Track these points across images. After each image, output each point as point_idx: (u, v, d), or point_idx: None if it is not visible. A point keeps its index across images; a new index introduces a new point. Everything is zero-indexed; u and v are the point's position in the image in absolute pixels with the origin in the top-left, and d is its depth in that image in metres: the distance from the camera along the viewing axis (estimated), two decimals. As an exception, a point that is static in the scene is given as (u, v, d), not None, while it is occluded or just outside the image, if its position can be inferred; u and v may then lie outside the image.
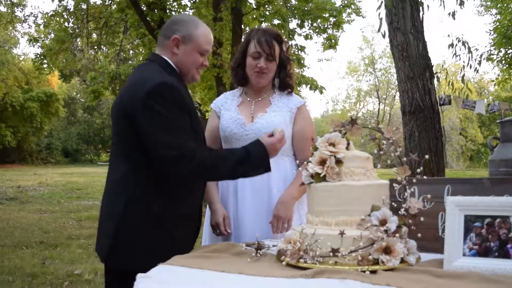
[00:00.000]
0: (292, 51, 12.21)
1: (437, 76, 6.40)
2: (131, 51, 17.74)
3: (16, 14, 17.79)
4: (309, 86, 12.34)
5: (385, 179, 1.94)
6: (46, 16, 16.04)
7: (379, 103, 46.48)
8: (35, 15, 18.29)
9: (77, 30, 14.74)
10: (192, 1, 14.30)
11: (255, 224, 2.52)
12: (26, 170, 28.84)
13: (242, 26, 12.93)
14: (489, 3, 21.36)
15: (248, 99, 2.74)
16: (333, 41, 14.18)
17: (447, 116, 38.26)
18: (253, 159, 2.20)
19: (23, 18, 18.26)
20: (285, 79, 2.70)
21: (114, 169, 2.31)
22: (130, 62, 16.55)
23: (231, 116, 2.68)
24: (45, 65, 17.35)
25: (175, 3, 13.91)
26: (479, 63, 9.17)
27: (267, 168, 2.23)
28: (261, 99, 2.72)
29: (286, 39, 2.71)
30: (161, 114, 2.09)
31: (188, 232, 2.36)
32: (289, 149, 2.68)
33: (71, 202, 13.64)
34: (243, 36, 13.50)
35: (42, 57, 16.64)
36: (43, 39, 17.36)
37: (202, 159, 2.11)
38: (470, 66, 7.52)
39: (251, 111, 2.70)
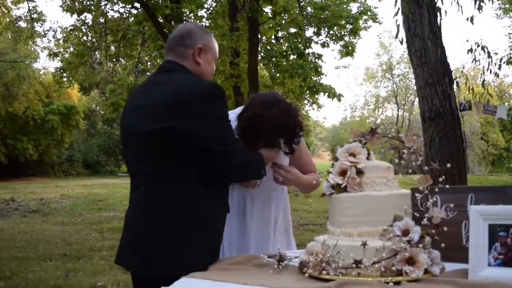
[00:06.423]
0: (309, 59, 12.23)
1: (456, 82, 6.34)
2: (149, 63, 17.97)
3: (35, 29, 18.05)
4: (327, 94, 12.34)
5: (405, 187, 1.92)
6: (65, 30, 16.35)
7: (398, 109, 46.06)
8: (55, 30, 18.55)
9: (95, 44, 14.99)
10: (208, 12, 14.42)
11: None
12: (48, 183, 29.14)
13: (259, 36, 12.97)
14: (507, 5, 21.14)
15: None
16: (350, 48, 14.18)
17: (468, 121, 37.77)
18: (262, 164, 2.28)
19: (42, 33, 18.53)
20: None
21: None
22: (148, 73, 16.74)
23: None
24: (65, 79, 17.63)
25: (191, 14, 14.04)
26: (499, 67, 9.02)
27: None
28: None
29: None
30: (217, 115, 2.10)
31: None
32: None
33: (93, 214, 13.73)
34: (259, 45, 13.56)
35: (62, 70, 16.93)
36: (62, 53, 17.64)
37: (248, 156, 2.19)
38: (490, 71, 7.42)
39: None
